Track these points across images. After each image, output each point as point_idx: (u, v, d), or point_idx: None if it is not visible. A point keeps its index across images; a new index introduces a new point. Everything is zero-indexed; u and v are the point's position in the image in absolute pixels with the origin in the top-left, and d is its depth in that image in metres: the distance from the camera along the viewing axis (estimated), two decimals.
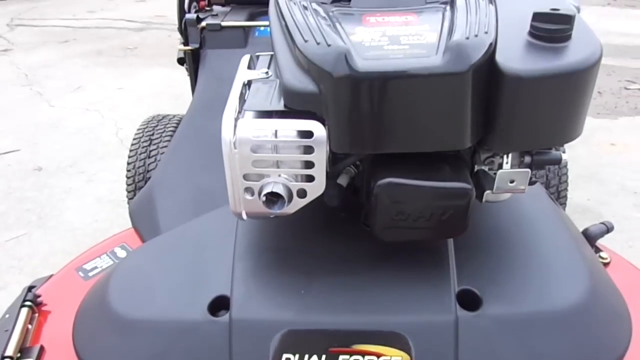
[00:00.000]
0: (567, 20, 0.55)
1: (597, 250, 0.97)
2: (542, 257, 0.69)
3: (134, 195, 1.41)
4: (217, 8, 1.54)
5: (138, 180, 1.41)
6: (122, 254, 1.04)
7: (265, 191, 0.57)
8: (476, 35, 0.54)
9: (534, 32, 0.55)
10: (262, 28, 1.40)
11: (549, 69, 0.53)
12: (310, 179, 0.57)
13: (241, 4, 1.52)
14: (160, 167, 1.21)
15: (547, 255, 0.70)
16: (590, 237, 0.96)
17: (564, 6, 0.56)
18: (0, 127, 2.67)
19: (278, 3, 0.70)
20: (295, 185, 0.57)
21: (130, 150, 1.45)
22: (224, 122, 0.56)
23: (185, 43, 1.41)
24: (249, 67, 0.75)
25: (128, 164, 1.44)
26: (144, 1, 5.66)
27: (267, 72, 0.67)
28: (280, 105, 0.57)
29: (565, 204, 1.37)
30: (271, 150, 0.55)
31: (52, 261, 1.69)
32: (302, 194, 0.57)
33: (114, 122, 2.70)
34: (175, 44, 1.55)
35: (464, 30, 0.55)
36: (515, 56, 0.54)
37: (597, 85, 2.86)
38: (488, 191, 0.61)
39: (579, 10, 0.82)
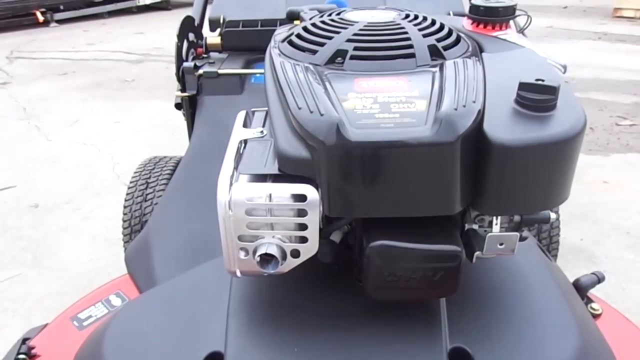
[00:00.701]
0: (552, 91, 0.57)
1: (589, 300, 0.98)
2: (532, 315, 0.71)
3: (130, 238, 1.41)
4: (214, 54, 1.57)
5: (134, 223, 1.42)
6: (117, 302, 1.03)
7: (259, 252, 0.58)
8: (464, 106, 0.56)
9: (520, 101, 0.58)
10: (257, 75, 1.43)
11: (535, 139, 0.55)
12: (303, 240, 0.58)
13: (237, 50, 1.56)
14: (156, 213, 1.21)
15: (538, 312, 0.71)
16: (582, 288, 0.97)
17: (550, 76, 0.59)
18: None
19: (272, 61, 0.72)
20: (289, 246, 0.58)
21: (127, 194, 1.46)
22: (220, 184, 0.58)
23: (183, 90, 1.44)
24: (245, 125, 0.77)
25: (125, 207, 1.44)
26: (143, 33, 5.75)
27: (262, 131, 0.70)
28: (274, 169, 0.58)
29: (557, 253, 1.39)
30: (265, 213, 0.57)
31: (47, 303, 1.68)
32: (295, 254, 0.59)
33: (110, 157, 2.71)
34: (172, 76, 1.57)
35: (453, 100, 0.57)
36: (502, 125, 0.56)
37: (590, 121, 2.92)
38: (478, 252, 0.62)
39: (565, 69, 0.85)
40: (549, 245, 1.35)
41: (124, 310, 0.86)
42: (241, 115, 0.82)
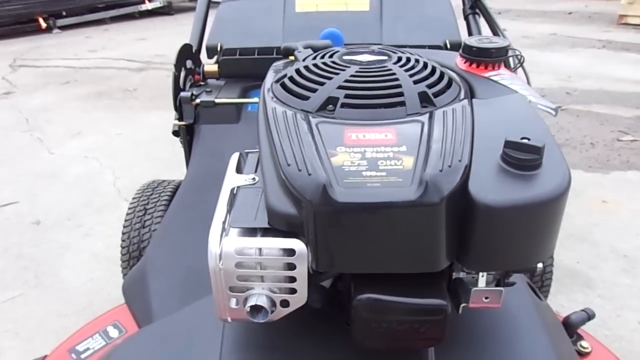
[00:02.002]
0: (537, 151, 0.58)
1: (579, 338, 0.99)
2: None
3: (129, 264, 1.43)
4: (211, 82, 1.59)
5: (132, 250, 1.43)
6: (114, 333, 1.05)
7: (249, 303, 0.60)
8: (449, 165, 0.57)
9: (506, 158, 0.59)
10: (254, 104, 1.45)
11: (519, 200, 0.56)
12: (292, 291, 0.60)
13: (234, 77, 1.57)
14: (153, 243, 1.23)
15: (524, 357, 0.73)
16: (572, 326, 0.98)
17: (537, 132, 0.61)
18: (1, 177, 2.70)
19: (265, 105, 0.73)
20: (279, 297, 0.60)
21: (125, 221, 1.48)
22: (211, 236, 0.60)
23: (180, 118, 1.45)
24: (238, 169, 0.80)
25: (123, 234, 1.46)
26: (145, 39, 5.77)
27: (254, 178, 0.72)
28: (264, 222, 0.60)
29: (548, 290, 1.39)
30: (255, 266, 0.59)
31: (47, 325, 1.69)
32: (285, 304, 0.61)
33: (112, 171, 2.73)
34: None
35: (439, 159, 0.58)
36: (487, 185, 0.57)
37: (590, 136, 2.94)
38: (464, 303, 0.64)
39: (556, 112, 0.86)
40: (541, 286, 1.36)
41: (118, 350, 0.88)
42: (234, 158, 0.83)
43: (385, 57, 0.81)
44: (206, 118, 1.44)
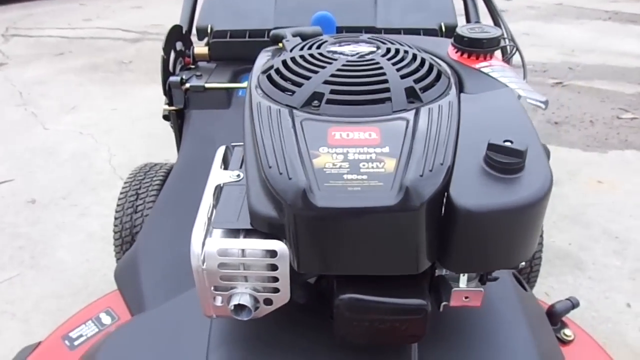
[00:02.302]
0: (519, 154, 0.58)
1: (563, 326, 1.01)
2: (498, 352, 0.75)
3: (121, 249, 1.44)
4: (202, 64, 1.56)
5: (125, 235, 1.44)
6: (107, 320, 1.08)
7: (232, 302, 0.62)
8: (431, 170, 0.57)
9: (488, 161, 0.59)
10: (245, 88, 1.43)
11: (500, 204, 0.56)
12: (276, 290, 0.62)
13: (225, 60, 1.54)
14: (144, 230, 1.24)
15: (503, 350, 0.76)
16: (556, 314, 1.00)
17: (521, 135, 0.60)
18: None
19: (251, 98, 0.72)
20: (262, 295, 0.62)
21: (118, 205, 1.48)
22: (194, 235, 0.61)
23: (170, 103, 1.44)
24: (224, 162, 0.80)
25: (115, 219, 1.47)
26: (141, 7, 5.65)
27: (239, 175, 0.72)
28: (246, 223, 0.61)
29: (537, 276, 1.41)
30: (238, 266, 0.60)
31: (44, 306, 1.72)
32: (268, 302, 0.63)
33: (107, 148, 2.72)
34: None
35: (420, 162, 0.58)
36: (468, 189, 0.57)
37: (590, 114, 2.92)
38: (445, 302, 0.66)
39: (546, 104, 0.85)
40: (530, 272, 1.37)
41: (107, 342, 0.90)
42: (220, 153, 0.83)
43: (373, 49, 0.79)
44: (196, 103, 1.42)
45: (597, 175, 2.41)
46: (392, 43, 0.82)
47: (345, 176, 0.58)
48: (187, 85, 1.40)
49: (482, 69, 0.86)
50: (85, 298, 1.74)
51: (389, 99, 0.69)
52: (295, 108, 0.69)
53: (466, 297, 0.65)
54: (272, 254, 0.58)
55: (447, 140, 0.63)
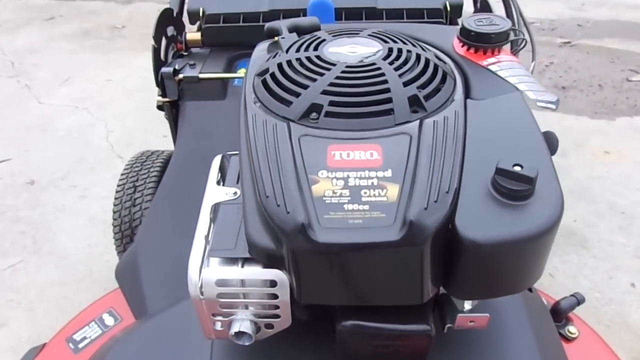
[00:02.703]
0: (529, 181, 0.55)
1: (568, 322, 1.01)
2: (500, 356, 0.76)
3: (121, 242, 1.43)
4: (195, 50, 1.49)
5: (125, 229, 1.43)
6: (110, 321, 1.08)
7: (233, 329, 0.61)
8: (436, 201, 0.55)
9: (496, 186, 0.57)
10: (241, 78, 1.37)
11: (507, 236, 0.54)
12: (276, 316, 0.61)
13: (219, 45, 1.47)
14: (144, 228, 1.22)
15: (506, 354, 0.76)
16: (561, 312, 1.00)
17: (529, 159, 0.56)
18: None
19: (247, 109, 0.69)
20: (263, 321, 0.62)
21: (115, 198, 1.46)
22: (191, 263, 0.60)
23: (163, 95, 1.38)
24: (220, 175, 0.77)
25: (114, 212, 1.45)
26: None
27: (235, 193, 0.70)
28: (245, 251, 0.60)
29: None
30: (237, 295, 0.60)
31: (49, 294, 1.73)
32: (269, 326, 0.62)
33: (104, 124, 2.67)
34: None
35: (424, 193, 0.55)
36: (474, 219, 0.55)
37: (599, 77, 2.82)
38: (449, 324, 0.64)
39: (557, 104, 0.81)
40: None
41: (112, 353, 0.90)
42: (216, 163, 0.81)
43: (374, 49, 0.74)
44: (191, 94, 1.37)
45: (604, 144, 2.36)
46: (395, 41, 0.77)
47: (346, 206, 0.55)
48: (181, 76, 1.34)
49: (490, 67, 0.83)
50: (89, 285, 1.75)
51: (391, 110, 0.65)
52: (292, 121, 0.65)
53: (471, 322, 0.64)
54: (272, 283, 0.57)
55: (452, 162, 0.59)
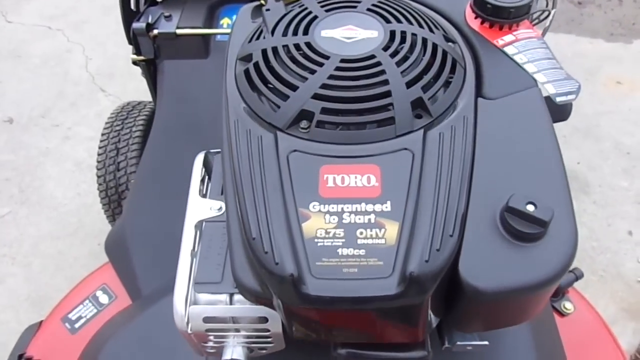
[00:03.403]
0: (542, 224, 0.51)
1: (563, 297, 1.02)
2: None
3: (109, 208, 1.39)
4: None
5: (111, 194, 1.38)
6: (104, 299, 1.09)
7: (225, 357, 0.61)
8: (438, 249, 0.50)
9: (505, 225, 0.53)
10: (224, 33, 1.22)
11: (513, 284, 0.51)
12: (269, 342, 0.61)
13: None
14: (130, 200, 1.18)
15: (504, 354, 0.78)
16: (560, 288, 1.00)
17: (544, 200, 0.52)
18: None
19: (228, 109, 0.62)
20: (255, 345, 0.62)
21: (98, 162, 1.39)
22: (176, 295, 0.58)
23: (138, 52, 1.23)
24: (205, 170, 0.73)
25: (98, 177, 1.38)
26: None
27: (220, 208, 0.66)
28: (232, 287, 0.57)
29: None
30: (227, 327, 0.59)
31: (42, 248, 1.72)
32: (263, 349, 0.63)
33: (81, 49, 2.47)
34: None
35: (427, 240, 0.50)
36: (479, 263, 0.51)
37: None
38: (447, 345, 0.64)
39: (577, 93, 0.74)
40: None
41: (108, 347, 0.91)
42: (198, 163, 0.76)
43: (373, 34, 0.64)
44: (168, 53, 1.23)
45: (617, 73, 2.22)
46: (397, 19, 0.66)
47: (340, 251, 0.50)
48: (155, 32, 1.19)
49: (506, 48, 0.73)
50: (82, 238, 1.73)
51: (392, 118, 0.58)
52: (280, 130, 0.58)
53: (469, 347, 0.63)
54: (263, 320, 0.56)
55: (459, 193, 0.54)
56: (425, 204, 0.52)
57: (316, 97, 0.57)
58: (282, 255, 0.49)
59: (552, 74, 0.74)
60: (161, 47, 1.22)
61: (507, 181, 0.55)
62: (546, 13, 0.84)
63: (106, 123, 1.44)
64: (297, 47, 0.62)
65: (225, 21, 1.23)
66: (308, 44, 0.62)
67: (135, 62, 1.30)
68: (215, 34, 1.23)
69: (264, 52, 0.63)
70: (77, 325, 1.07)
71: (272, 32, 0.66)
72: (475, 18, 0.74)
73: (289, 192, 0.53)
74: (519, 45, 0.75)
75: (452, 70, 0.63)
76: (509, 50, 0.74)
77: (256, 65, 0.62)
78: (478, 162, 0.58)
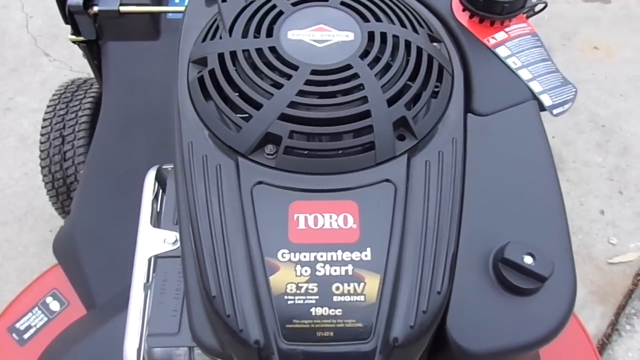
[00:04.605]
0: (540, 279, 0.48)
1: None
2: None
3: (57, 200, 1.28)
4: None
5: (59, 186, 1.27)
6: (55, 306, 1.04)
7: None
8: (425, 311, 0.45)
9: (499, 276, 0.49)
10: (176, 12, 1.08)
11: (505, 345, 0.48)
12: None
13: None
14: (78, 200, 1.09)
15: None
16: None
17: (543, 250, 0.48)
18: None
19: (181, 129, 0.54)
20: None
21: (42, 151, 1.26)
22: (127, 344, 0.55)
23: (76, 33, 1.08)
24: (158, 184, 0.67)
25: (42, 167, 1.26)
26: None
27: (175, 241, 0.61)
28: (189, 340, 0.52)
29: None
30: None
31: None
32: None
33: (20, 4, 2.22)
34: None
35: (412, 302, 0.45)
36: (469, 323, 0.48)
37: None
38: None
39: (573, 100, 0.70)
40: None
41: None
42: (150, 182, 0.69)
43: (348, 36, 0.55)
44: (113, 33, 1.08)
45: (594, 38, 2.15)
46: (376, 16, 0.58)
47: (313, 310, 0.45)
48: (96, 9, 1.03)
49: (497, 49, 0.67)
50: (32, 225, 1.61)
51: (372, 143, 0.51)
52: (242, 155, 0.50)
53: None
54: None
55: (447, 238, 0.48)
56: (409, 250, 0.46)
57: (283, 118, 0.49)
58: (246, 320, 0.43)
59: (548, 80, 0.70)
60: (104, 27, 1.07)
61: (500, 221, 0.51)
62: (542, 5, 0.76)
63: (48, 107, 1.29)
64: (259, 52, 0.53)
65: (176, 8, 1.09)
66: (273, 49, 0.53)
67: (74, 42, 1.14)
68: (165, 12, 1.08)
69: (221, 57, 0.54)
70: (26, 336, 1.01)
71: (230, 31, 0.56)
72: (464, 11, 0.67)
73: (253, 236, 0.46)
74: (512, 45, 0.70)
75: (439, 78, 0.56)
76: (500, 51, 0.68)
77: (212, 73, 0.53)
78: (467, 196, 0.52)
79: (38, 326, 1.00)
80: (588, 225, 1.64)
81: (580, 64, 2.06)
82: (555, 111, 0.66)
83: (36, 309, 1.02)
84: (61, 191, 1.26)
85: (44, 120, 1.28)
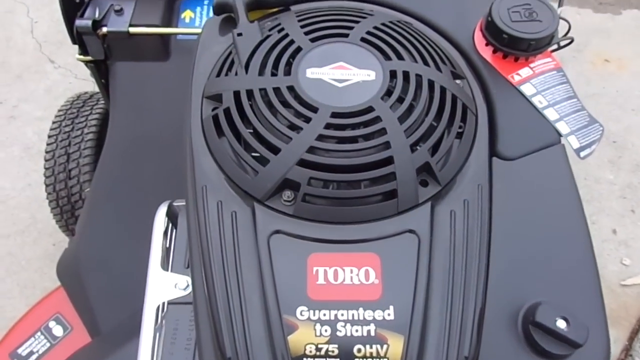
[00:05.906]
0: (574, 345, 0.47)
1: None
2: None
3: (61, 218, 1.26)
4: None
5: (63, 204, 1.24)
6: (58, 331, 1.02)
7: None
8: None
9: (529, 339, 0.47)
10: (188, 33, 1.05)
11: None
12: None
13: None
14: (84, 222, 1.07)
15: None
16: None
17: (577, 317, 0.47)
18: None
19: (194, 170, 0.52)
20: None
21: (46, 169, 1.24)
22: None
23: (84, 52, 1.05)
24: (168, 220, 0.64)
25: (47, 185, 1.25)
26: None
27: (186, 286, 0.59)
28: None
29: None
30: None
31: None
32: None
33: (25, 9, 2.20)
34: None
35: None
36: None
37: None
38: None
39: (599, 141, 0.67)
40: None
41: None
42: (160, 220, 0.67)
43: (369, 75, 0.53)
44: (121, 54, 1.06)
45: (605, 50, 2.12)
46: (399, 55, 0.55)
47: None
48: (105, 30, 1.01)
49: (522, 86, 0.65)
50: (35, 238, 1.59)
51: (394, 191, 0.49)
52: (258, 201, 0.48)
53: None
54: None
55: (475, 294, 0.46)
56: (435, 309, 0.44)
57: (302, 164, 0.47)
58: None
59: (575, 120, 0.67)
60: (112, 48, 1.04)
61: (529, 277, 0.49)
62: (568, 40, 0.73)
63: (53, 123, 1.27)
64: (277, 91, 0.51)
65: (187, 14, 1.06)
66: (291, 88, 0.51)
67: (82, 61, 1.12)
68: (176, 34, 1.06)
69: (237, 95, 0.51)
70: None
71: (246, 67, 0.54)
72: (487, 45, 0.64)
73: (270, 291, 0.44)
74: (538, 82, 0.67)
75: (463, 118, 0.54)
76: (526, 89, 0.66)
77: (227, 112, 0.51)
78: (493, 248, 0.50)
79: (40, 352, 0.99)
80: (600, 246, 1.61)
81: (591, 77, 2.03)
82: (582, 154, 0.64)
83: (39, 333, 1.00)
84: (65, 209, 1.24)
85: (49, 137, 1.25)
